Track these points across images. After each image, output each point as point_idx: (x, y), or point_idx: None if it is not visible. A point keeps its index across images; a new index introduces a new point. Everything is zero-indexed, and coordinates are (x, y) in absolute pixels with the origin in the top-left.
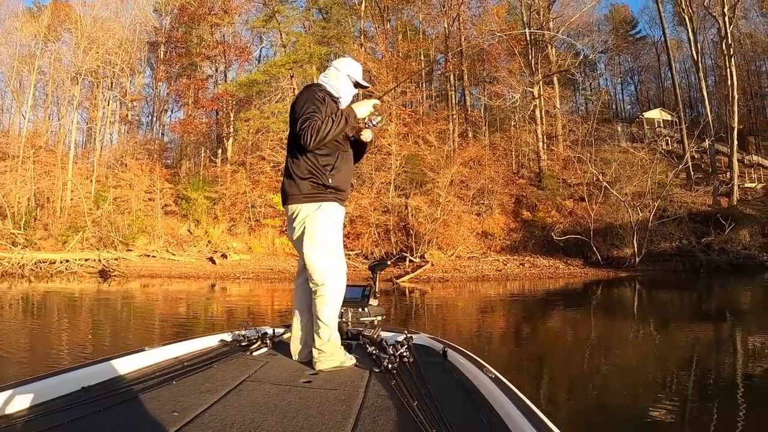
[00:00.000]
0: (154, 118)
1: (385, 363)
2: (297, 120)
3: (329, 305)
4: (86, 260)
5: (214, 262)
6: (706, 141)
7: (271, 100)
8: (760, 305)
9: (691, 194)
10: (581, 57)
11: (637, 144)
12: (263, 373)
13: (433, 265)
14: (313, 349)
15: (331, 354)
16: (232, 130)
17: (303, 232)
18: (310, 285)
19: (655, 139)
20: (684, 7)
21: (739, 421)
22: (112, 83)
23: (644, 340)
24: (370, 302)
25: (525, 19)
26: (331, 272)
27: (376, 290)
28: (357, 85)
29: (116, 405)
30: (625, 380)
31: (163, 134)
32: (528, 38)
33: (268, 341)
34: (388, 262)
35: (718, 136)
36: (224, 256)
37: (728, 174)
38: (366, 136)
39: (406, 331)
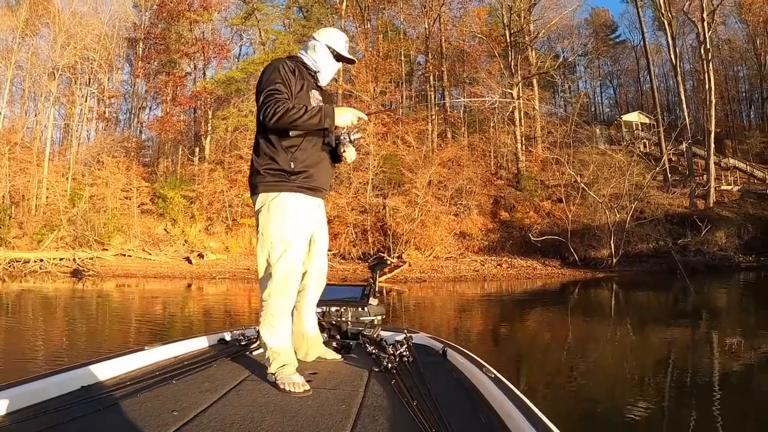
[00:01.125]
0: (132, 116)
1: (384, 362)
2: (260, 93)
3: (265, 325)
4: (61, 259)
5: (190, 262)
6: (684, 144)
7: (249, 98)
8: (735, 306)
9: (668, 196)
10: (561, 60)
11: (615, 146)
12: (263, 373)
13: (410, 265)
14: None
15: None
16: (210, 128)
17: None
18: None
19: (632, 141)
20: (663, 11)
21: (715, 418)
22: (90, 79)
23: (621, 339)
24: (370, 302)
25: (505, 21)
26: (274, 284)
27: (376, 289)
28: (339, 57)
29: (116, 404)
30: (602, 379)
31: (141, 132)
32: (508, 40)
33: None
34: (388, 261)
35: (695, 139)
36: (201, 255)
37: (705, 176)
38: (349, 155)
39: (405, 331)
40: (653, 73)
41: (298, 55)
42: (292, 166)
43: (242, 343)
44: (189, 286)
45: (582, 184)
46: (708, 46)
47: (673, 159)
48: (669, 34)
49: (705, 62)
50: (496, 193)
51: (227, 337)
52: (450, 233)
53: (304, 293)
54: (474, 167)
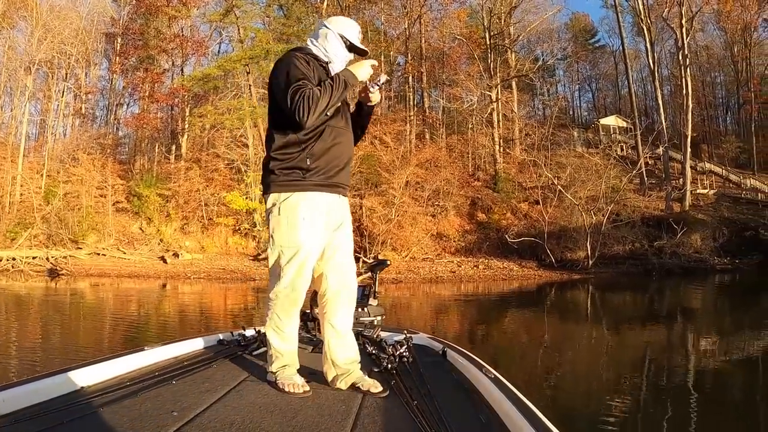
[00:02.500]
0: (109, 112)
1: (384, 363)
2: (281, 93)
3: (270, 325)
4: (34, 258)
5: (165, 262)
6: (660, 148)
7: (226, 95)
8: (710, 307)
9: (645, 199)
10: (540, 63)
11: (593, 149)
12: (263, 374)
13: (389, 264)
14: None
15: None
16: (187, 126)
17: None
18: None
19: (610, 144)
20: (643, 17)
21: (689, 416)
22: (67, 74)
23: (597, 340)
24: (370, 302)
25: (486, 24)
26: (281, 286)
27: (376, 290)
28: (352, 48)
29: (115, 404)
30: (578, 379)
31: (117, 129)
32: (488, 42)
33: None
34: (388, 262)
35: (671, 143)
36: (176, 255)
37: (681, 180)
38: (375, 96)
39: (405, 331)
40: (631, 77)
41: (307, 45)
42: (309, 163)
43: (242, 344)
44: (164, 285)
45: (559, 187)
46: (686, 52)
47: (650, 162)
48: (648, 40)
49: (683, 68)
50: (473, 195)
51: (226, 337)
52: (427, 234)
53: (327, 312)
54: (452, 168)
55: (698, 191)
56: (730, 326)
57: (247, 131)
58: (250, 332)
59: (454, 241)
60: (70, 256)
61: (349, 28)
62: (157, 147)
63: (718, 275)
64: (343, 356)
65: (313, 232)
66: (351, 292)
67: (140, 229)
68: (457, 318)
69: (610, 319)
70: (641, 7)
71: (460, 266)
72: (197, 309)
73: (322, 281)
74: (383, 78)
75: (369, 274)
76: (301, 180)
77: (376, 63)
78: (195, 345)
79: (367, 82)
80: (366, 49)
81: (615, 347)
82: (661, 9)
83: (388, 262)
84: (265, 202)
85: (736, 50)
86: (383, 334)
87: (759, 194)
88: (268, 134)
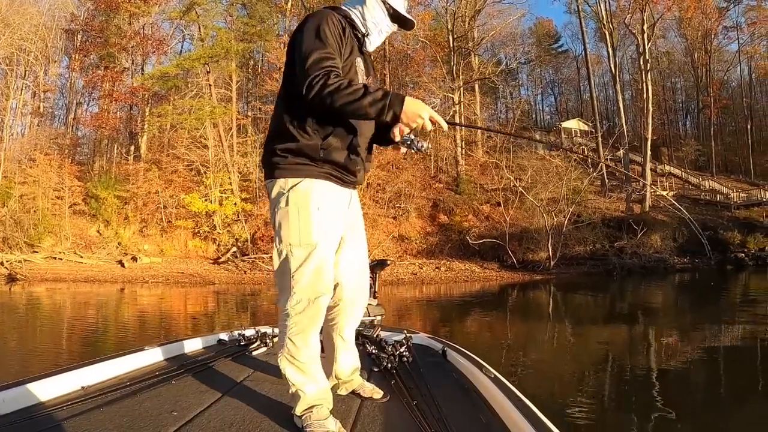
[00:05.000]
0: (68, 111)
1: (384, 363)
2: (305, 56)
3: (285, 356)
4: None
5: (123, 266)
6: (621, 150)
7: (186, 95)
8: (670, 306)
9: (605, 200)
10: (503, 66)
11: (554, 152)
12: (262, 373)
13: None
14: None
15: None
16: (146, 126)
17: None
18: None
19: (571, 147)
20: (605, 23)
21: (652, 411)
22: (25, 72)
23: (560, 339)
24: (370, 302)
25: (449, 27)
26: (295, 300)
27: (376, 290)
28: (395, 17)
29: (115, 405)
30: (542, 378)
31: (76, 129)
32: (451, 45)
33: (267, 341)
34: (389, 262)
35: (631, 145)
36: (134, 258)
37: (641, 182)
38: (398, 141)
39: (405, 331)
40: (593, 82)
41: (344, 7)
42: (322, 155)
43: (241, 344)
44: (122, 290)
45: (520, 188)
46: (647, 57)
47: (611, 165)
48: (610, 45)
49: (644, 73)
50: (435, 197)
51: (227, 337)
52: (388, 236)
53: (339, 323)
54: (413, 170)
55: (658, 193)
56: (690, 324)
57: (206, 132)
58: (250, 332)
59: (415, 243)
60: (25, 260)
61: None
62: (116, 148)
63: (678, 274)
64: (349, 368)
65: (331, 227)
66: (365, 301)
67: (98, 232)
68: (420, 320)
69: (573, 319)
70: (604, 12)
71: (422, 268)
72: (157, 314)
73: (336, 289)
74: (424, 145)
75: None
76: (312, 165)
77: (444, 125)
78: (195, 345)
79: (405, 132)
80: (413, 19)
81: (578, 346)
82: (623, 15)
83: (389, 262)
84: (268, 192)
85: (696, 56)
86: (383, 334)
87: (717, 195)
88: (276, 111)
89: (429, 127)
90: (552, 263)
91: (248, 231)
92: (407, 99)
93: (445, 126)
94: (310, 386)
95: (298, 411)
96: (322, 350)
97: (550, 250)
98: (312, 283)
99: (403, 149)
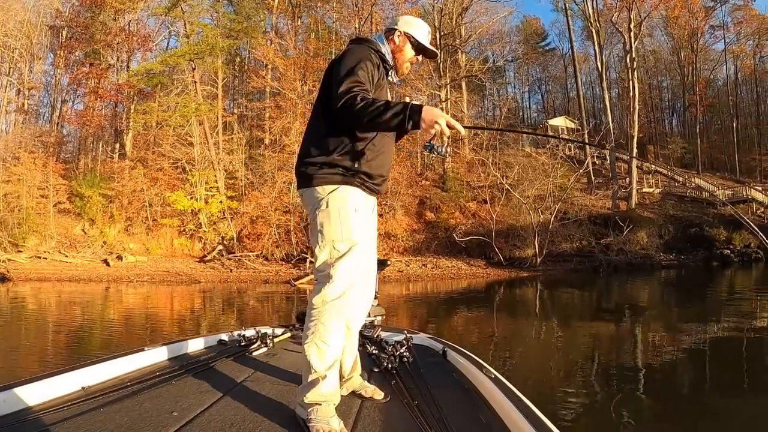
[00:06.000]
0: (53, 109)
1: (384, 363)
2: (342, 78)
3: (314, 341)
4: None
5: (108, 265)
6: (607, 147)
7: (171, 91)
8: (656, 302)
9: (592, 198)
10: (490, 63)
11: (540, 149)
12: (263, 374)
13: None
14: None
15: (309, 385)
16: (131, 123)
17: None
18: None
19: (557, 144)
20: (592, 21)
21: (639, 406)
22: (10, 69)
23: (547, 336)
24: None
25: (437, 24)
26: (332, 288)
27: (377, 290)
28: (420, 50)
29: (116, 405)
30: (529, 373)
31: (62, 126)
32: (438, 42)
33: (267, 341)
34: (389, 262)
35: (618, 143)
36: (119, 257)
37: (627, 179)
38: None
39: (405, 331)
40: (580, 80)
41: (374, 41)
42: (356, 166)
43: (242, 344)
44: (107, 289)
45: (507, 185)
46: (634, 56)
47: (597, 162)
48: (597, 43)
49: (630, 71)
50: (421, 194)
51: (227, 337)
52: None
53: (349, 314)
54: (399, 168)
55: (644, 190)
56: (676, 320)
57: (192, 129)
58: (250, 332)
59: (402, 241)
60: (9, 259)
61: (419, 28)
62: (101, 145)
63: (664, 271)
64: (349, 365)
65: (366, 227)
66: (371, 300)
67: (83, 231)
68: (406, 318)
69: (559, 316)
70: (591, 11)
71: (408, 266)
72: (143, 313)
73: None
74: (443, 149)
75: None
76: (349, 176)
77: (462, 129)
78: (195, 345)
79: (430, 139)
80: (435, 51)
81: (564, 342)
82: (610, 13)
83: (389, 262)
84: (303, 199)
85: (683, 55)
86: (383, 334)
87: (703, 193)
88: (314, 126)
89: (447, 132)
90: (538, 260)
91: (234, 229)
92: (425, 107)
93: (462, 131)
94: (329, 379)
95: (307, 399)
96: None
97: (537, 247)
98: (351, 272)
99: (426, 152)
